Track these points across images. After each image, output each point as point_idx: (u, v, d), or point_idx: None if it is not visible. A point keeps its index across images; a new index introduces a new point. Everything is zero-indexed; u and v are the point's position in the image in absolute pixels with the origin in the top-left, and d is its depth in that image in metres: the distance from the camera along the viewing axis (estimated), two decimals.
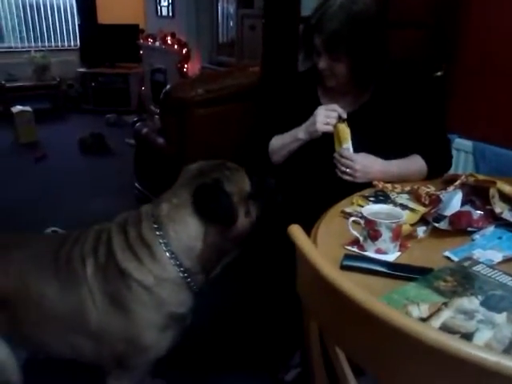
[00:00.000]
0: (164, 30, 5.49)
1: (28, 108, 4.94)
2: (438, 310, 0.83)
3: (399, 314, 0.62)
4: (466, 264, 1.01)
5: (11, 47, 6.31)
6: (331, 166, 1.53)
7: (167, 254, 1.21)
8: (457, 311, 0.83)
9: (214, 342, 2.07)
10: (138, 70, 6.15)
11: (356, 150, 1.51)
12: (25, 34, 6.46)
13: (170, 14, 5.41)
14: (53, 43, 6.57)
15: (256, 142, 1.77)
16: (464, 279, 0.94)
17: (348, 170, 1.49)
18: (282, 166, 1.73)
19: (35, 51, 6.10)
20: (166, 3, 5.48)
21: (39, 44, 6.46)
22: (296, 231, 0.82)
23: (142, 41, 5.99)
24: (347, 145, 1.51)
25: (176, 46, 5.19)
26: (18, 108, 4.92)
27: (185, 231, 1.21)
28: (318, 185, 1.63)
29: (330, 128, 1.52)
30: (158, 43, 5.55)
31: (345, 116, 1.52)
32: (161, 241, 1.21)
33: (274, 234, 1.73)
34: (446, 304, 0.85)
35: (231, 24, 4.45)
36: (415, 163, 1.57)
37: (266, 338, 1.99)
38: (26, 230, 2.90)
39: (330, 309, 0.74)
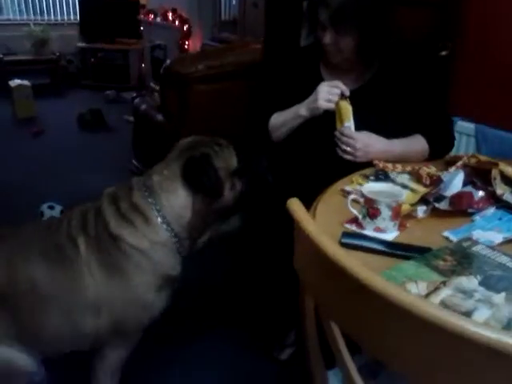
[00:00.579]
0: (165, 6, 5.39)
1: (26, 82, 4.88)
2: (437, 288, 0.82)
3: (398, 289, 0.61)
4: (466, 244, 0.99)
5: (10, 19, 6.20)
6: (332, 145, 1.51)
7: (159, 219, 1.29)
8: (455, 290, 0.82)
9: (208, 318, 2.07)
10: (137, 46, 6.06)
11: (358, 128, 1.49)
12: (24, 6, 6.34)
13: None
14: (52, 17, 6.46)
15: (256, 119, 1.74)
16: (463, 259, 0.93)
17: (349, 148, 1.47)
18: (282, 144, 1.71)
19: (34, 24, 6.01)
20: None
21: (38, 17, 6.35)
22: (295, 205, 0.80)
23: (142, 16, 5.89)
24: (349, 123, 1.49)
25: (177, 22, 5.10)
26: (16, 82, 4.86)
27: (175, 200, 1.30)
28: (317, 163, 1.61)
29: (331, 105, 1.49)
30: (158, 19, 5.46)
31: (347, 93, 1.49)
32: (153, 207, 1.28)
33: (272, 211, 1.73)
34: (444, 283, 0.84)
35: (234, 1, 4.37)
36: (417, 143, 1.55)
37: (261, 317, 1.99)
38: (22, 204, 2.89)
39: (327, 282, 0.72)
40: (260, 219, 1.83)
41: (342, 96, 1.49)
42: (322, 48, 1.57)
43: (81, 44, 6.24)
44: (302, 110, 1.56)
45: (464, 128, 2.17)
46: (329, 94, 1.49)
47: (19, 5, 6.34)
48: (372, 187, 1.15)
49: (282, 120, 1.64)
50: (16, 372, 1.31)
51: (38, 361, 1.34)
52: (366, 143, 1.47)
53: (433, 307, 0.58)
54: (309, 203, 1.28)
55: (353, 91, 1.53)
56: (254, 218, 1.79)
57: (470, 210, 1.17)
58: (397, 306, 0.59)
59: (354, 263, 0.66)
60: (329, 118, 1.51)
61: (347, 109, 1.49)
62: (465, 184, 1.24)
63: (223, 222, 1.47)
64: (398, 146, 1.52)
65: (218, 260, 2.34)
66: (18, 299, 1.25)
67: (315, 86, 1.53)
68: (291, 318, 1.81)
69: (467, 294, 0.81)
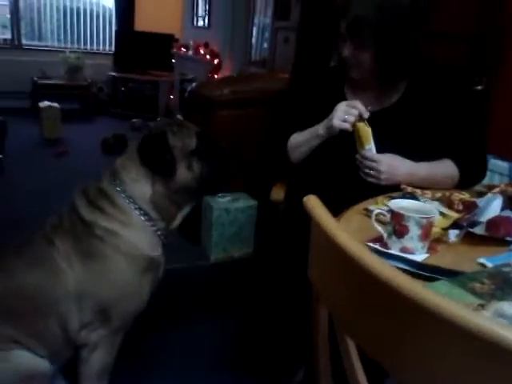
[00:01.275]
0: (198, 40, 5.50)
1: (56, 104, 4.96)
2: (474, 310, 0.70)
3: (439, 296, 0.50)
4: (506, 270, 0.87)
5: (47, 46, 6.42)
6: (353, 167, 1.42)
7: (126, 200, 1.30)
8: (496, 314, 0.70)
9: (217, 351, 1.94)
10: (168, 78, 6.16)
11: (381, 150, 1.40)
12: (62, 35, 6.58)
13: (206, 24, 5.42)
14: (88, 46, 6.66)
15: (275, 140, 1.67)
16: (504, 284, 0.81)
17: (372, 171, 1.38)
18: (302, 166, 1.62)
19: (70, 52, 6.18)
20: (202, 14, 5.50)
21: (75, 46, 6.56)
22: (312, 202, 0.71)
23: (175, 49, 6.01)
24: (369, 145, 1.40)
25: (208, 56, 5.17)
26: (45, 103, 4.95)
27: (136, 179, 1.31)
28: (339, 186, 1.51)
29: (346, 126, 1.40)
30: (190, 52, 5.56)
31: (366, 115, 1.40)
32: (118, 189, 1.30)
33: (287, 237, 1.63)
34: (482, 306, 0.72)
35: (266, 36, 4.41)
36: (446, 167, 1.44)
37: (269, 353, 1.85)
38: (35, 220, 2.84)
39: (346, 288, 0.61)
40: (275, 246, 1.74)
41: (361, 117, 1.40)
42: (345, 65, 1.50)
43: (113, 73, 6.38)
44: (319, 128, 1.49)
45: (497, 166, 2.06)
46: (345, 113, 1.41)
47: (58, 34, 6.58)
48: (400, 203, 1.05)
49: (300, 140, 1.57)
50: (38, 377, 1.27)
51: (57, 367, 1.34)
52: (391, 165, 1.38)
53: (481, 318, 0.47)
54: None
55: (376, 112, 1.46)
56: (268, 245, 1.71)
57: (507, 238, 1.05)
58: (434, 314, 0.48)
59: (381, 263, 0.55)
60: (348, 139, 1.42)
61: (366, 131, 1.40)
62: (503, 209, 1.12)
63: (195, 205, 1.46)
64: (425, 168, 1.42)
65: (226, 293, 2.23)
66: (9, 305, 1.24)
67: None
68: (300, 354, 1.68)
69: (508, 319, 0.69)
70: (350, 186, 1.43)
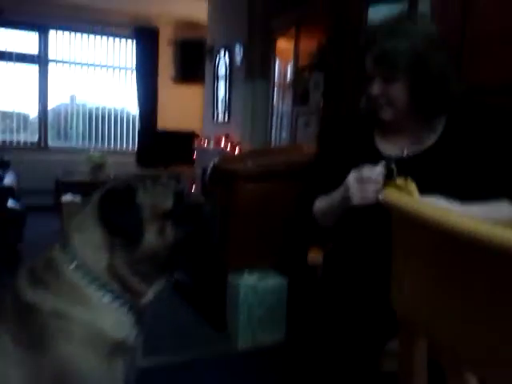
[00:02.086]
0: (218, 134, 5.60)
1: (77, 198, 4.96)
2: None
3: None
4: None
5: (73, 146, 6.63)
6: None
7: (77, 271, 1.04)
8: None
9: None
10: (190, 170, 6.22)
11: None
12: (87, 136, 6.84)
13: (226, 119, 5.55)
14: (112, 145, 6.88)
15: (306, 206, 1.49)
16: None
17: None
18: (336, 229, 1.46)
19: (94, 151, 6.35)
20: (222, 110, 5.66)
21: (99, 145, 6.77)
22: (392, 194, 0.53)
23: (196, 144, 6.12)
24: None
25: (229, 148, 5.22)
26: (67, 197, 4.96)
27: (90, 242, 1.06)
28: (378, 247, 1.33)
29: (370, 200, 1.19)
30: (211, 145, 5.64)
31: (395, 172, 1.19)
32: (66, 255, 1.04)
33: (329, 300, 1.42)
34: None
35: (285, 123, 4.44)
36: (502, 210, 1.24)
37: None
38: None
39: (470, 295, 0.42)
40: (311, 328, 1.51)
41: (391, 173, 1.19)
42: (372, 103, 1.38)
43: (135, 170, 6.48)
44: (337, 199, 1.31)
45: None
46: (360, 190, 1.21)
47: (83, 134, 6.83)
48: None
49: (325, 203, 1.40)
50: None
51: None
52: None
53: None
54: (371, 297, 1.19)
55: (412, 157, 1.32)
56: (302, 329, 1.50)
57: None
58: None
59: None
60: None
61: (405, 185, 1.13)
62: None
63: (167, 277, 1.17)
64: (477, 211, 1.21)
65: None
66: None
67: (368, 156, 1.33)
68: None
69: None
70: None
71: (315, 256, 1.68)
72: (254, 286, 2.40)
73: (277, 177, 2.54)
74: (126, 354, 1.07)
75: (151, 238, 1.07)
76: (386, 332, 1.30)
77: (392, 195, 0.54)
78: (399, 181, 1.14)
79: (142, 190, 1.08)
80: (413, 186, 1.13)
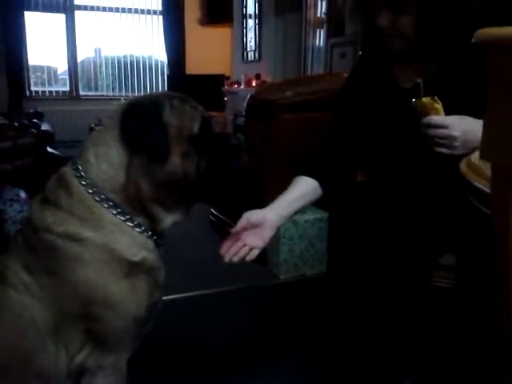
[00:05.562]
0: (249, 75, 5.47)
1: None
2: None
3: None
4: None
5: (103, 95, 6.62)
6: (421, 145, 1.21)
7: (87, 188, 0.96)
8: None
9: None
10: (221, 115, 6.14)
11: None
12: (117, 85, 6.81)
13: (257, 57, 5.40)
14: (142, 93, 6.81)
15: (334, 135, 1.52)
16: None
17: (441, 140, 1.14)
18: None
19: (125, 99, 6.32)
20: (252, 48, 5.50)
21: (129, 93, 6.74)
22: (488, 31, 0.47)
23: (226, 87, 6.01)
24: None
25: None
26: None
27: (105, 158, 0.97)
28: (412, 169, 1.35)
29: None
30: (242, 87, 5.52)
31: None
32: (77, 171, 0.97)
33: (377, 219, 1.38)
34: None
35: (319, 56, 4.28)
36: None
37: (368, 364, 1.55)
38: None
39: None
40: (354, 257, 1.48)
41: (419, 91, 1.18)
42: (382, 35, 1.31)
43: None
44: None
45: None
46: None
47: (113, 84, 6.81)
48: None
49: None
50: None
51: None
52: (464, 129, 1.12)
53: None
54: (411, 212, 1.22)
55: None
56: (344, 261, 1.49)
57: None
58: None
59: None
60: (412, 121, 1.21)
61: (431, 103, 1.17)
62: None
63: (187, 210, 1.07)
64: None
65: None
66: None
67: (389, 89, 1.36)
68: (406, 365, 1.38)
69: None
70: (422, 164, 1.29)
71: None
72: (295, 220, 2.37)
73: (317, 106, 2.44)
74: (147, 275, 1.02)
75: (176, 160, 0.98)
76: (438, 248, 1.29)
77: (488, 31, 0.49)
78: (426, 99, 1.16)
79: (168, 108, 0.99)
80: (439, 104, 1.16)
